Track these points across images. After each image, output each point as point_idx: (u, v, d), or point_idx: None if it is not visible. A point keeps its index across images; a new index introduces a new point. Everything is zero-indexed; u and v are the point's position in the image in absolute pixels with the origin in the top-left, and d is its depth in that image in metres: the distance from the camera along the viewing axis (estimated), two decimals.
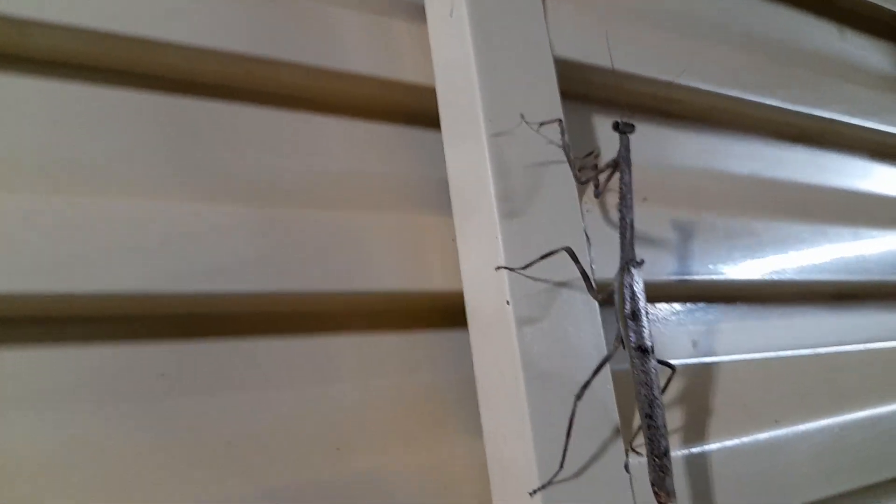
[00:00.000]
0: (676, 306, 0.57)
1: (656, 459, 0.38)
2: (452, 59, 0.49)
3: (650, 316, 0.40)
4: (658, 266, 0.52)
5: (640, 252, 0.52)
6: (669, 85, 0.58)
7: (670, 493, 0.37)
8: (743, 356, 0.57)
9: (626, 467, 0.42)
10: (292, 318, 0.45)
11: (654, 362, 0.39)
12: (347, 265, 0.45)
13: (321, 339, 0.45)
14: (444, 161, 0.50)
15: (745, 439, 0.51)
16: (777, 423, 0.54)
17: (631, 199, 0.42)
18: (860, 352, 0.66)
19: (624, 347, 0.40)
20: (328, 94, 0.51)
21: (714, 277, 0.55)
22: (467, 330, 0.46)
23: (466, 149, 0.47)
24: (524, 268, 0.41)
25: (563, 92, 0.50)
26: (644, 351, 0.39)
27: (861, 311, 0.71)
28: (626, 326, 0.40)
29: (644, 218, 0.54)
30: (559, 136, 0.44)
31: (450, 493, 0.43)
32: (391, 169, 0.52)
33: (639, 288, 0.40)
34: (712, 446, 0.50)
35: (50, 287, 0.36)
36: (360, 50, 0.51)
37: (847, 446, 0.57)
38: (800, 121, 0.70)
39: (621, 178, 0.43)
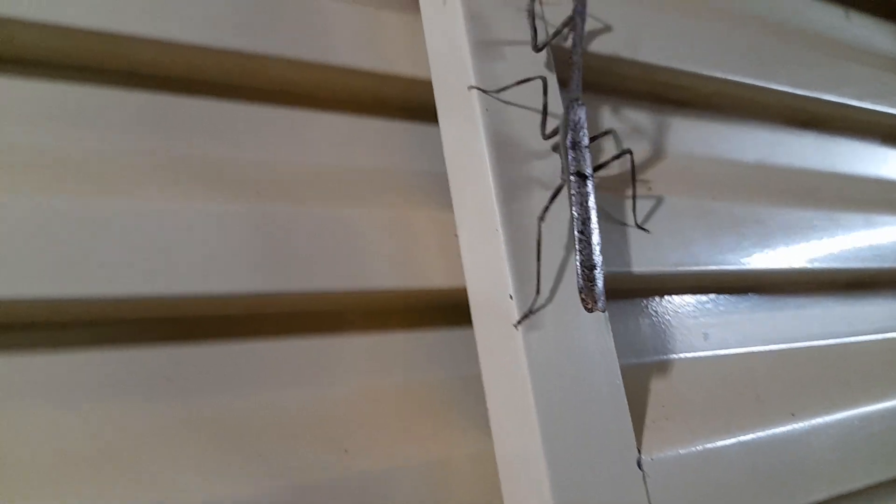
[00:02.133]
0: (686, 298, 0.55)
1: (586, 271, 0.40)
2: (447, 49, 0.47)
3: (590, 150, 0.44)
4: (666, 256, 0.50)
5: (644, 240, 0.50)
6: (670, 70, 0.56)
7: (597, 300, 0.39)
8: (756, 348, 0.56)
9: (639, 464, 0.41)
10: (296, 318, 0.45)
11: (591, 187, 0.42)
12: (348, 263, 0.44)
13: (326, 339, 0.45)
14: (444, 155, 0.49)
15: (761, 433, 0.50)
16: (793, 416, 0.52)
17: (581, 47, 0.46)
18: (876, 341, 0.64)
19: (566, 176, 0.43)
20: (324, 88, 0.50)
21: (724, 268, 0.53)
22: (472, 327, 0.45)
23: (464, 140, 0.46)
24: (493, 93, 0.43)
25: (562, 80, 0.49)
26: (582, 176, 0.42)
27: (876, 300, 0.69)
28: (566, 155, 0.43)
29: (650, 207, 0.52)
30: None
31: (460, 491, 0.42)
32: (391, 164, 0.51)
33: (581, 123, 0.43)
34: (728, 441, 0.48)
35: (50, 292, 0.35)
36: (353, 43, 0.50)
37: (866, 439, 0.55)
38: (807, 105, 0.68)
39: (574, 31, 0.46)
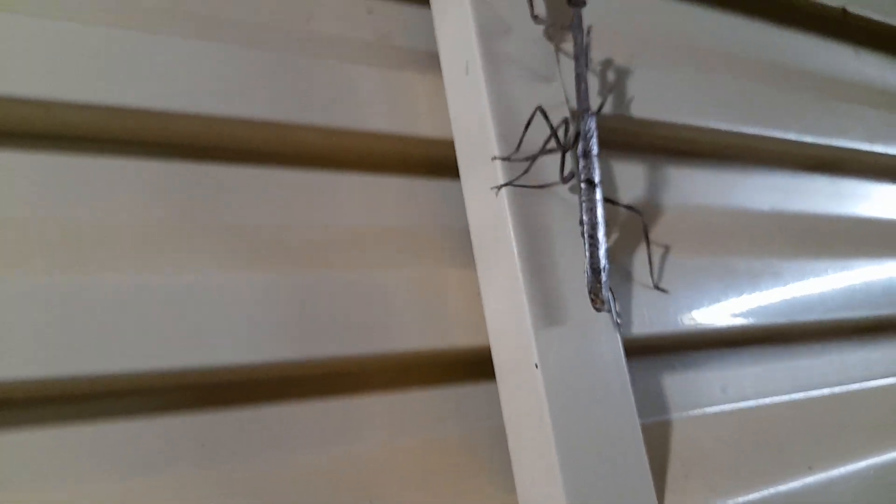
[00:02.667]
0: (703, 352, 0.56)
1: (594, 273, 0.42)
2: (469, 116, 0.49)
3: (600, 157, 0.47)
4: (684, 316, 0.51)
5: (662, 300, 0.51)
6: (679, 126, 0.57)
7: (604, 301, 0.42)
8: (773, 399, 0.56)
9: None
10: (321, 379, 0.45)
11: (600, 195, 0.45)
12: (374, 326, 0.45)
13: (351, 399, 0.46)
14: (465, 211, 0.50)
15: (781, 488, 0.50)
16: (810, 469, 0.53)
17: (584, 59, 0.48)
18: (894, 386, 0.65)
19: (574, 181, 0.46)
20: (346, 152, 0.51)
21: (742, 323, 0.54)
22: (495, 381, 0.46)
23: (486, 203, 0.47)
24: (518, 182, 0.45)
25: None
26: (591, 183, 0.45)
27: (893, 344, 0.69)
28: (577, 163, 0.46)
29: (667, 266, 0.53)
30: None
31: None
32: (412, 222, 0.52)
33: (591, 132, 0.46)
34: (747, 497, 0.49)
35: (76, 369, 0.37)
36: (376, 107, 0.51)
37: (885, 488, 0.56)
38: (819, 151, 0.69)
39: (575, 42, 0.49)
